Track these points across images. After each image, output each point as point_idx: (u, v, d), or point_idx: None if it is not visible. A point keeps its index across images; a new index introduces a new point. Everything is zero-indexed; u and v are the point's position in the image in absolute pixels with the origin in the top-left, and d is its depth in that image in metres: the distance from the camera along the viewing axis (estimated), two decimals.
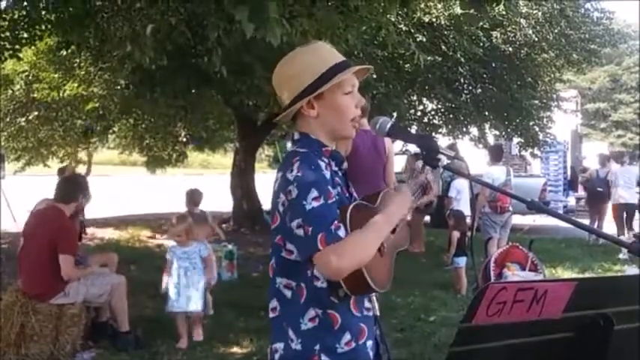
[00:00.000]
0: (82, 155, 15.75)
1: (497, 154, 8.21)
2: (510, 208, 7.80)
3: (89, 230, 11.74)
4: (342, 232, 1.72)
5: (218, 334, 5.40)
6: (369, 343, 1.92)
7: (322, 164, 1.84)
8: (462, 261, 7.19)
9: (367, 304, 1.94)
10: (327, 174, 1.83)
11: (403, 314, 6.19)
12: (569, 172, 17.73)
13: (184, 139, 15.88)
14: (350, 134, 1.97)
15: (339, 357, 1.84)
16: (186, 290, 5.05)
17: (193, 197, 7.27)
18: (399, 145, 15.95)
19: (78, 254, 5.37)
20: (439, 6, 10.47)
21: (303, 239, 1.74)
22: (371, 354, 1.93)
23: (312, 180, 1.77)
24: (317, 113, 1.91)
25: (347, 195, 1.94)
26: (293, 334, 1.85)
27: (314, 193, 1.75)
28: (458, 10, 9.12)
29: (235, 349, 5.13)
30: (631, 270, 8.21)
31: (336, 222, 1.73)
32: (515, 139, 14.23)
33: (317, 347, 1.83)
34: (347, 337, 1.84)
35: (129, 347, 4.94)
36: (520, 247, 6.81)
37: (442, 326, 5.75)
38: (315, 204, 1.74)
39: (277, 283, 1.90)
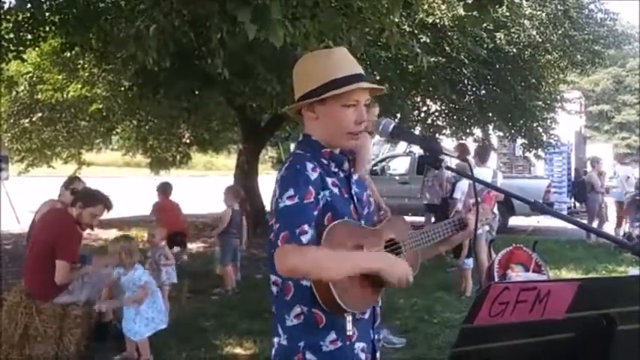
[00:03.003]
0: (86, 157, 15.74)
1: (483, 155, 7.99)
2: (495, 210, 7.60)
3: (93, 231, 11.73)
4: (305, 238, 1.74)
5: (221, 335, 5.41)
6: (360, 345, 1.91)
7: (309, 165, 1.86)
8: (470, 262, 7.17)
9: None
10: (314, 175, 1.84)
11: (406, 316, 6.18)
12: (572, 174, 17.70)
13: (188, 141, 15.89)
14: (344, 145, 1.97)
15: (324, 355, 1.85)
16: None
17: (230, 193, 7.47)
18: (402, 146, 15.98)
19: (81, 255, 5.38)
20: (442, 7, 10.46)
21: (273, 235, 1.79)
22: (362, 356, 1.92)
23: (291, 179, 1.82)
24: (316, 117, 1.95)
25: (346, 196, 1.94)
26: (281, 330, 1.90)
27: (290, 192, 1.79)
28: (461, 12, 9.11)
29: (239, 351, 5.13)
30: (634, 271, 8.17)
31: (304, 226, 1.75)
32: (519, 141, 14.21)
33: (301, 344, 1.86)
34: (332, 335, 1.86)
35: None
36: (524, 248, 6.79)
37: (445, 328, 5.74)
38: (288, 202, 1.78)
39: (270, 280, 1.96)
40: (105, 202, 5.07)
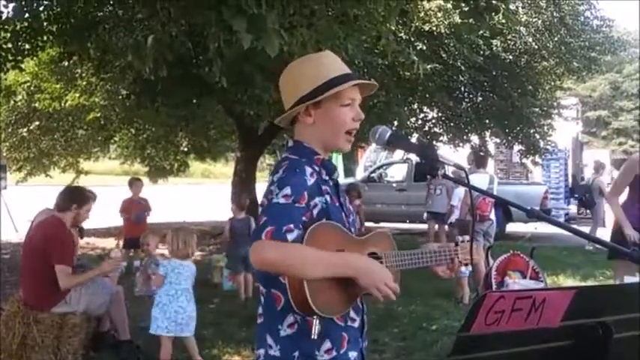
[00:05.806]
0: (84, 166, 15.75)
1: (479, 161, 7.99)
2: (492, 217, 7.58)
3: (91, 240, 11.72)
4: (290, 236, 1.70)
5: (219, 344, 5.39)
6: (353, 354, 1.89)
7: (308, 170, 1.85)
8: (467, 270, 7.16)
9: (352, 315, 1.92)
10: (311, 180, 1.84)
11: (405, 323, 6.18)
12: (570, 180, 17.73)
13: (186, 149, 15.91)
14: (342, 146, 1.98)
15: None
16: None
17: (239, 202, 7.44)
18: (400, 153, 16.00)
19: (79, 264, 5.37)
20: (439, 15, 10.51)
21: (255, 228, 1.75)
22: None
23: (290, 181, 1.79)
24: (313, 121, 1.94)
25: (337, 204, 1.94)
26: (272, 340, 1.86)
27: (286, 190, 1.77)
28: (457, 19, 9.15)
29: (237, 359, 5.12)
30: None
31: (291, 225, 1.71)
32: (516, 147, 14.26)
33: (296, 354, 1.82)
34: (327, 344, 1.83)
35: (131, 356, 4.93)
36: (521, 255, 6.78)
37: (444, 335, 5.73)
38: (282, 200, 1.75)
39: (260, 289, 1.93)
40: (93, 196, 5.21)
